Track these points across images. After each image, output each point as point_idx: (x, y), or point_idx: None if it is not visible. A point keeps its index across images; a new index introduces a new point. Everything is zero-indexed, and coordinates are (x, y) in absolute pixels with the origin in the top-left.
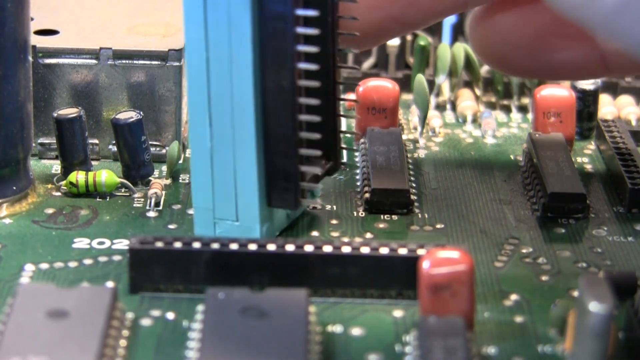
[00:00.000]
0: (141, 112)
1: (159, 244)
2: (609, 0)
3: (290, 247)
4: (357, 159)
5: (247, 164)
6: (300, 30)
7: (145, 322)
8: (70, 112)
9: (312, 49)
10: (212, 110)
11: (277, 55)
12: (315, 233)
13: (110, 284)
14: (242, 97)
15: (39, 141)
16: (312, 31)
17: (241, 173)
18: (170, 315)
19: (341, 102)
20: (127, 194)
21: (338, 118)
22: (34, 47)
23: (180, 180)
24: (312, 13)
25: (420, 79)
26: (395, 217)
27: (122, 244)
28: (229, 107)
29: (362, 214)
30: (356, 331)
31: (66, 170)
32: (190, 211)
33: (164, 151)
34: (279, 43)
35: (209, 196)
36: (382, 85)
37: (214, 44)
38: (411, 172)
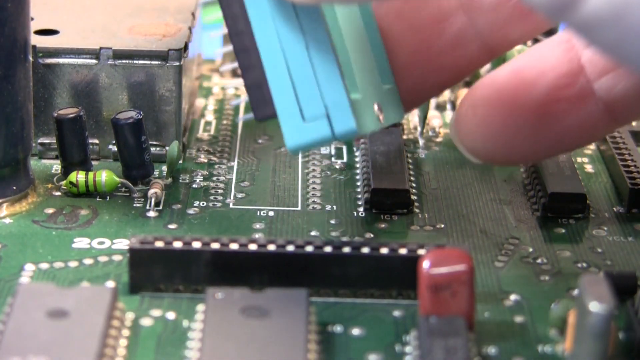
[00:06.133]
0: (141, 112)
1: (159, 244)
2: None
3: (290, 247)
4: (357, 159)
5: (323, 56)
6: None
7: (145, 322)
8: (70, 112)
9: None
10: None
11: None
12: (315, 233)
13: (110, 284)
14: None
15: (39, 141)
16: None
17: (320, 68)
18: (171, 315)
19: None
20: (127, 194)
21: None
22: (34, 47)
23: (180, 180)
24: None
25: None
26: (395, 217)
27: (122, 244)
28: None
29: (362, 214)
30: (356, 331)
31: (66, 170)
32: (191, 211)
33: (164, 151)
34: None
35: (293, 101)
36: None
37: None
38: (411, 172)
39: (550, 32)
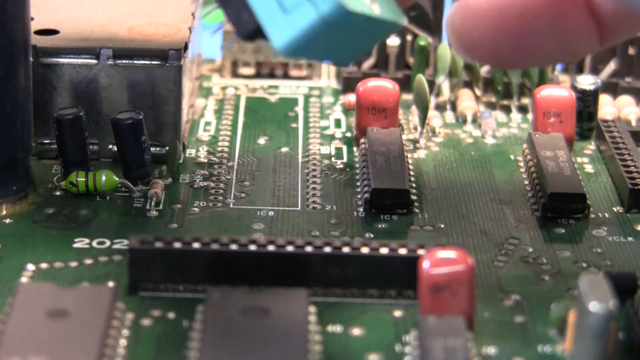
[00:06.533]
0: (141, 112)
1: (159, 244)
2: None
3: (290, 247)
4: (357, 159)
5: None
6: None
7: (145, 322)
8: (70, 112)
9: None
10: None
11: None
12: (315, 233)
13: (110, 284)
14: None
15: (39, 141)
16: None
17: None
18: (171, 315)
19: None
20: (127, 194)
21: None
22: (34, 47)
23: (180, 180)
24: None
25: (420, 79)
26: (395, 217)
27: (122, 244)
28: None
29: (362, 214)
30: (356, 331)
31: (66, 170)
32: (191, 211)
33: (164, 151)
34: None
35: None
36: (382, 85)
37: None
38: (411, 172)
39: None
